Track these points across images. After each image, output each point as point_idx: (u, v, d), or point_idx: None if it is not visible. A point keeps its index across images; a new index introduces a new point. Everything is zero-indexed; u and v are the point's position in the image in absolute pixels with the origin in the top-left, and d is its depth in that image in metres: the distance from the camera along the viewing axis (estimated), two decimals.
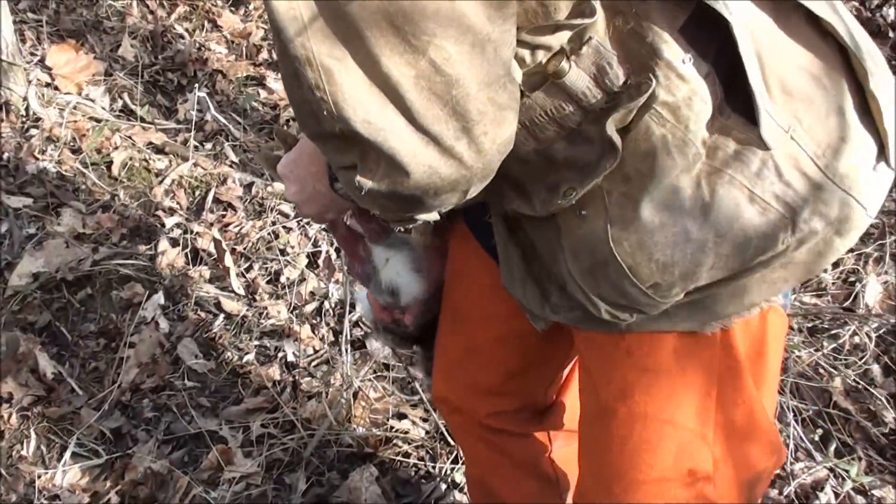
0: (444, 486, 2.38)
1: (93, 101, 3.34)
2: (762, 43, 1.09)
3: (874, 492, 2.36)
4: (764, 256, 1.13)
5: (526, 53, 1.04)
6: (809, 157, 1.10)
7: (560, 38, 1.04)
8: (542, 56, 1.05)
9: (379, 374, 2.61)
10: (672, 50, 1.05)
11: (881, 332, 2.65)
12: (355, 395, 2.53)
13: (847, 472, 2.37)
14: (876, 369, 2.59)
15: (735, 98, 1.09)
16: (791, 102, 1.10)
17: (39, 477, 2.39)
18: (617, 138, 1.07)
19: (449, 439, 2.47)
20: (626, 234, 1.12)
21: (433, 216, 1.16)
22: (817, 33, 1.13)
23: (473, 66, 0.94)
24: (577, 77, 1.06)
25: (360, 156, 1.01)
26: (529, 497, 1.77)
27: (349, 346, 2.61)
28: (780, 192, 1.09)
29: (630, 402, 1.30)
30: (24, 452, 2.44)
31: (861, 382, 2.56)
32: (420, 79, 0.94)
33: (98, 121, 3.27)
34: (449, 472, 2.41)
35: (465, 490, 2.37)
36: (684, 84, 1.06)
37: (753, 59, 1.07)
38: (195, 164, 3.18)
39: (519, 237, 1.29)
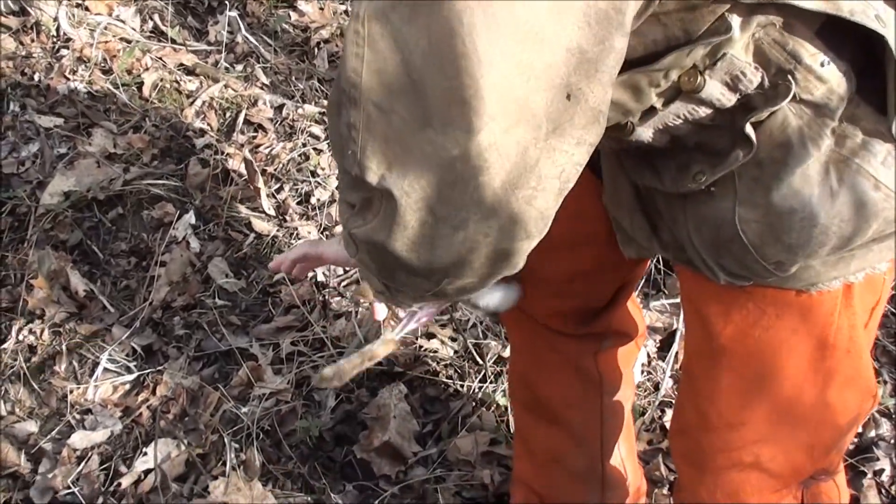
0: (472, 405, 2.38)
1: (123, 21, 3.32)
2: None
3: None
4: (880, 235, 1.17)
5: (659, 77, 1.05)
6: None
7: (693, 56, 1.05)
8: (675, 75, 1.06)
9: None
10: (811, 55, 1.06)
11: None
12: None
13: None
14: None
15: (865, 87, 1.11)
16: None
17: (71, 392, 2.41)
18: (752, 134, 1.09)
19: (477, 359, 2.47)
20: (754, 216, 1.15)
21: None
22: None
23: (508, 159, 0.91)
24: (712, 88, 1.07)
25: (362, 202, 1.02)
26: (570, 393, 1.80)
27: None
28: None
29: (747, 341, 1.33)
30: (56, 368, 2.46)
31: (889, 307, 2.54)
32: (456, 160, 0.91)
33: (129, 42, 3.25)
34: (477, 390, 2.41)
35: (505, 388, 2.38)
36: (823, 84, 1.08)
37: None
38: (226, 86, 3.16)
39: (630, 173, 1.29)
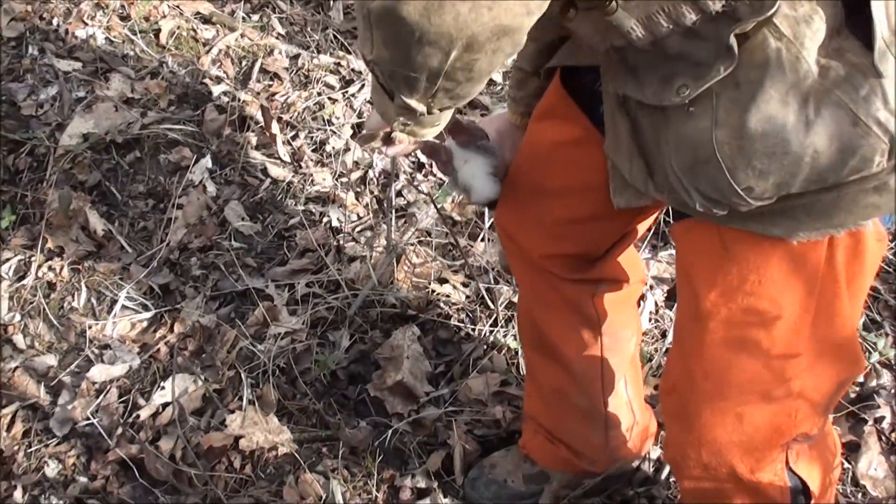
0: (483, 347, 2.43)
1: None
2: None
3: None
4: (857, 175, 1.16)
5: None
6: None
7: None
8: None
9: (422, 239, 2.65)
10: None
11: None
12: (398, 258, 2.57)
13: (875, 344, 2.42)
14: None
15: (854, 21, 1.12)
16: None
17: (90, 328, 2.46)
18: (735, 45, 1.11)
19: (489, 303, 2.51)
20: (728, 138, 1.17)
21: (418, 105, 1.20)
22: None
23: None
24: None
25: None
26: (569, 331, 1.83)
27: (394, 210, 2.64)
28: (883, 119, 1.13)
29: (731, 305, 1.36)
30: (74, 304, 2.51)
31: (892, 264, 2.59)
32: None
33: None
34: (488, 334, 2.45)
35: (515, 327, 2.43)
36: (807, 1, 1.09)
37: None
38: (242, 35, 3.19)
39: (627, 110, 1.32)
